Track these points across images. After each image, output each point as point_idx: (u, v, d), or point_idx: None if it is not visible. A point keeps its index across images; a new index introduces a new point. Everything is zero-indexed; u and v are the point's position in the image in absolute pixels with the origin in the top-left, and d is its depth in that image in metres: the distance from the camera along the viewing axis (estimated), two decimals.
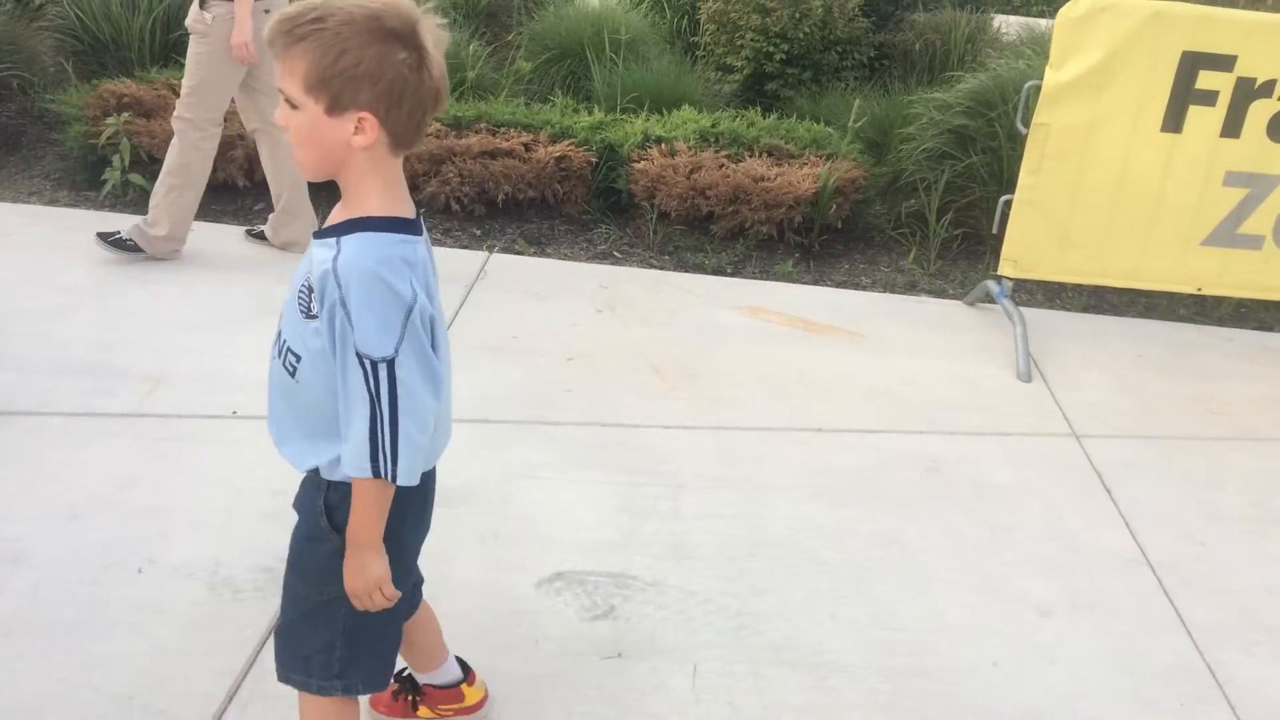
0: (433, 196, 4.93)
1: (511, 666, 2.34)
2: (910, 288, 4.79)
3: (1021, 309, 4.24)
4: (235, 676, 2.22)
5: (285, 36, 1.44)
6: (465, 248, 4.74)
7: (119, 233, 4.13)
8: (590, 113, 5.43)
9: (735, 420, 3.45)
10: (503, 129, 5.09)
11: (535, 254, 4.76)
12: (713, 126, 5.26)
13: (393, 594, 1.66)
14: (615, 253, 4.87)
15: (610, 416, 3.40)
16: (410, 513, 1.73)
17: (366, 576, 1.62)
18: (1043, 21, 8.03)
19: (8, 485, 2.76)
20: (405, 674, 2.13)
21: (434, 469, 1.80)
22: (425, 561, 2.61)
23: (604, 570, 2.68)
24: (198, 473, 2.83)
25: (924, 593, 2.73)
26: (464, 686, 2.13)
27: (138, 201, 4.72)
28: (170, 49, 5.54)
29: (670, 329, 4.08)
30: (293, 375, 1.59)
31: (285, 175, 4.23)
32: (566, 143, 5.02)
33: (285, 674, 1.79)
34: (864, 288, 4.77)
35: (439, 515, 2.78)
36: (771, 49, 6.57)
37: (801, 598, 2.66)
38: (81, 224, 4.47)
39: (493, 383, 3.53)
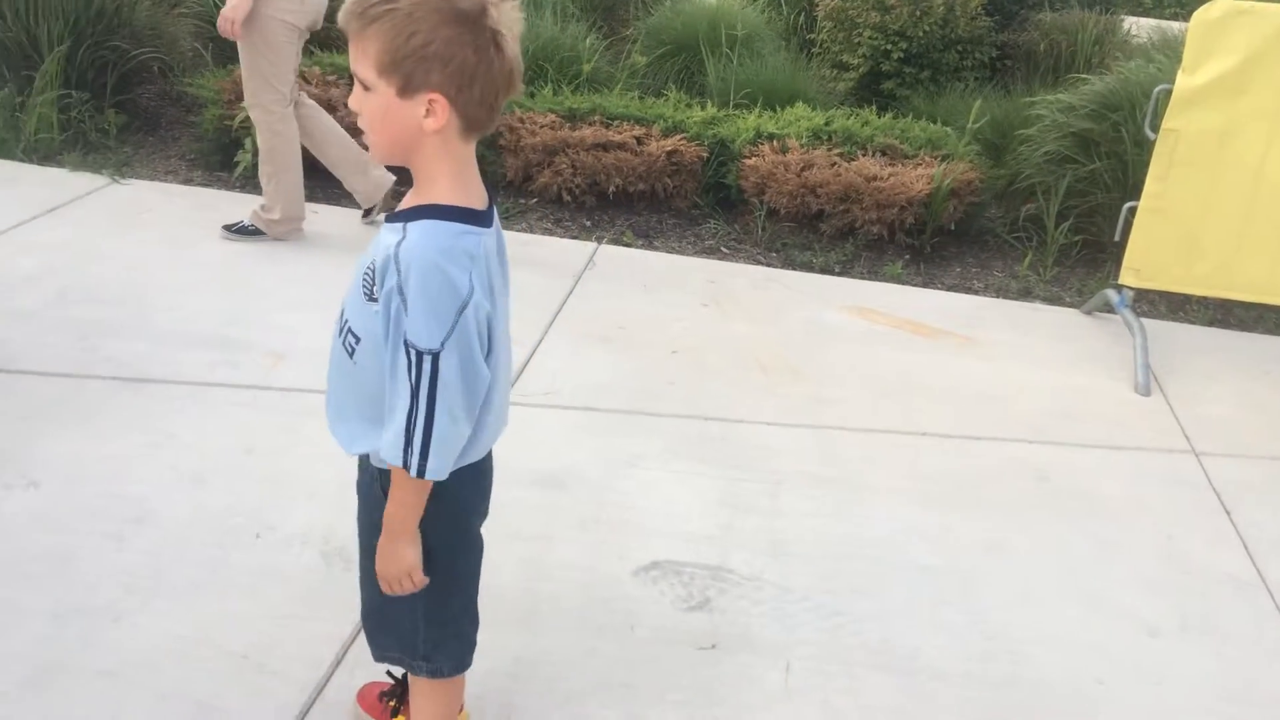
0: (545, 187, 5.01)
1: (606, 650, 2.38)
2: (1024, 294, 4.68)
3: (1143, 320, 4.11)
4: (344, 642, 2.30)
5: (358, 19, 1.43)
6: (575, 238, 4.80)
7: (241, 221, 4.32)
8: (703, 108, 5.44)
9: (838, 420, 3.43)
10: (616, 122, 5.14)
11: (643, 247, 4.80)
12: (826, 124, 5.21)
13: (421, 580, 1.66)
14: (723, 248, 4.88)
15: (713, 410, 3.41)
16: (470, 499, 1.74)
17: (399, 564, 1.64)
18: (1175, 24, 7.74)
19: (138, 449, 2.91)
20: (404, 677, 2.04)
21: (490, 455, 1.79)
22: (528, 544, 2.68)
23: (701, 562, 2.70)
24: (315, 446, 2.93)
25: (1027, 603, 2.68)
26: None
27: None
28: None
29: (775, 326, 4.07)
30: (351, 356, 1.60)
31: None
32: (678, 137, 5.04)
33: (382, 653, 1.84)
34: (976, 292, 4.68)
35: (542, 498, 2.86)
36: (889, 47, 6.48)
37: (900, 601, 2.64)
38: (214, 203, 4.67)
39: (598, 372, 3.57)
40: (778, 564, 2.72)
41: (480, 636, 2.30)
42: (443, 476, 1.56)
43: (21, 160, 4.89)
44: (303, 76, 5.15)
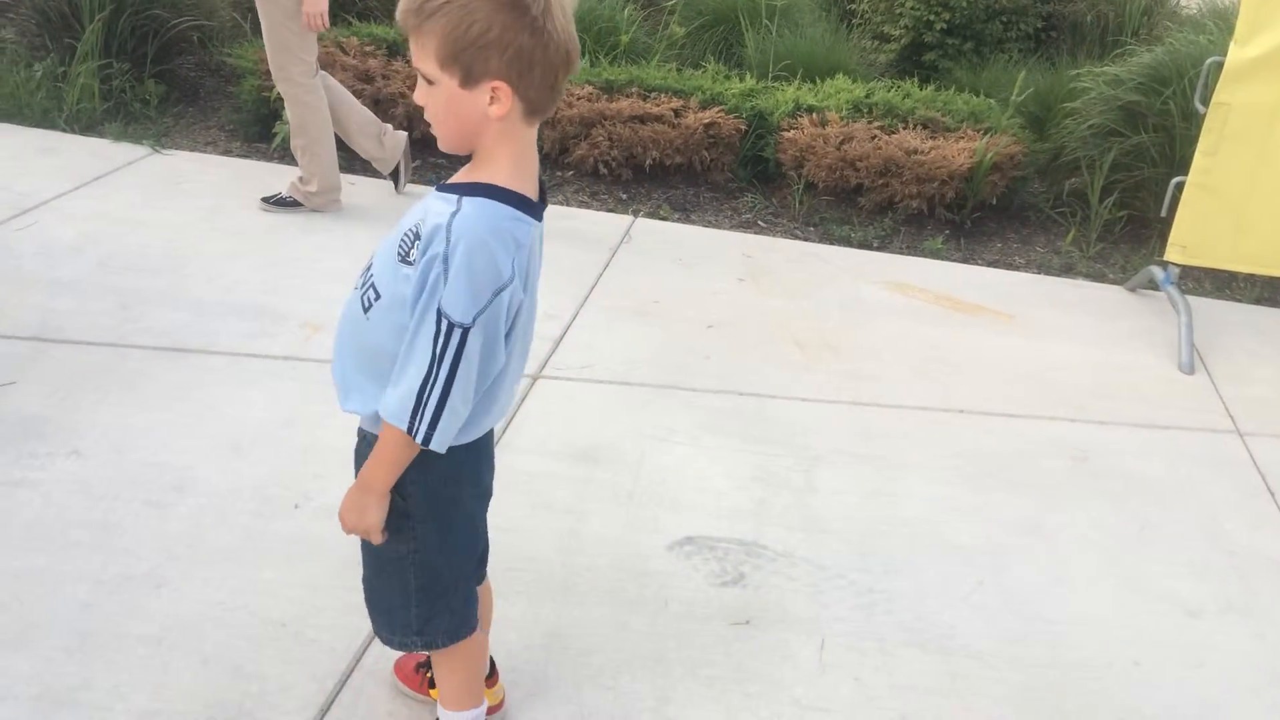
0: (581, 159, 4.99)
1: (640, 624, 2.38)
2: (1067, 270, 4.61)
3: (1188, 298, 4.04)
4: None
5: (415, 15, 1.45)
6: (611, 211, 4.78)
7: (279, 193, 4.35)
8: (741, 80, 5.39)
9: (874, 396, 3.40)
10: (654, 94, 5.09)
11: (680, 220, 4.77)
12: (866, 97, 5.14)
13: (379, 539, 1.68)
14: (760, 222, 4.84)
15: (748, 386, 3.40)
16: (466, 475, 1.74)
17: (364, 519, 1.66)
18: None
19: (178, 418, 2.94)
20: None
21: (490, 436, 1.79)
22: (562, 517, 2.68)
23: (735, 538, 2.69)
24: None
25: (1064, 584, 2.65)
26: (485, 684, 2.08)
27: None
28: (339, 8, 5.72)
29: (812, 301, 4.04)
30: (365, 311, 1.61)
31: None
32: (716, 109, 5.00)
33: (377, 630, 1.86)
34: (1017, 268, 4.61)
35: (576, 472, 2.86)
36: (932, 17, 6.37)
37: (935, 579, 2.62)
38: (252, 173, 4.70)
39: (633, 346, 3.57)
40: (812, 540, 2.71)
41: (513, 609, 2.33)
42: (442, 449, 1.58)
43: (64, 130, 4.94)
44: (339, 47, 5.16)
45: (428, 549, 1.73)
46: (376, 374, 1.61)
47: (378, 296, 1.60)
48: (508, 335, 1.59)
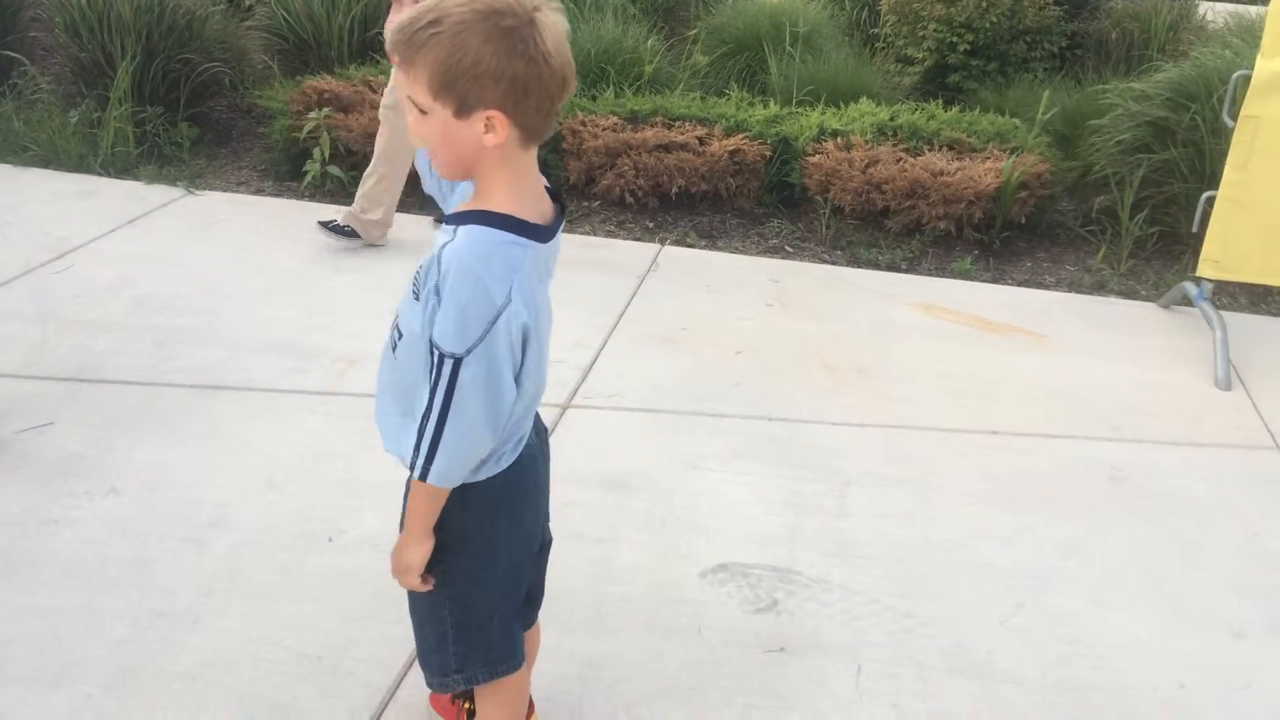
0: (607, 189, 5.02)
1: (675, 653, 2.37)
2: (1098, 288, 4.57)
3: (1222, 313, 3.99)
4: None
5: (405, 46, 1.44)
6: (638, 240, 4.80)
7: (336, 219, 4.38)
8: (765, 106, 5.41)
9: (906, 419, 3.38)
10: (678, 122, 5.13)
11: (707, 247, 4.78)
12: (891, 119, 5.15)
13: (415, 583, 1.67)
14: (787, 247, 4.84)
15: (778, 411, 3.39)
16: (503, 513, 1.70)
17: (399, 558, 1.66)
18: (1253, 9, 7.50)
19: (214, 454, 2.97)
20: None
21: (544, 475, 1.77)
22: (594, 546, 2.68)
23: (768, 564, 2.68)
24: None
25: (1105, 606, 2.61)
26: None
27: (335, 192, 4.99)
28: (367, 47, 5.82)
29: (841, 325, 4.03)
30: (394, 351, 1.63)
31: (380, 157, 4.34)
32: (741, 136, 5.02)
33: (426, 678, 1.83)
34: (1048, 287, 4.58)
35: (607, 500, 2.86)
36: (955, 39, 6.38)
37: (972, 603, 2.59)
38: (284, 212, 4.77)
39: (662, 373, 3.57)
40: (846, 566, 2.69)
41: (548, 639, 2.32)
42: (448, 484, 1.57)
43: (100, 174, 5.04)
44: (368, 86, 5.24)
45: (460, 583, 1.72)
46: (411, 413, 1.61)
47: (400, 335, 1.61)
48: (534, 357, 1.58)
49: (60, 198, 4.74)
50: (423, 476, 1.54)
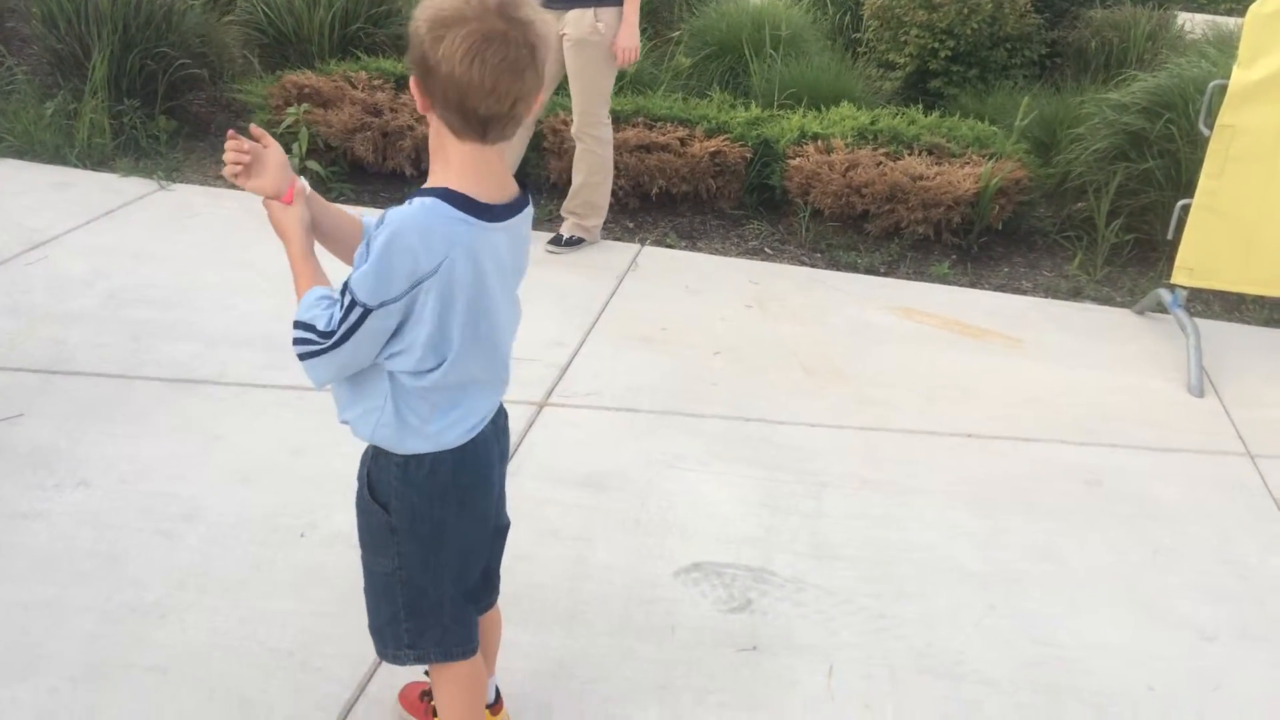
0: None
1: (647, 651, 2.36)
2: (1074, 294, 4.60)
3: (1196, 320, 4.03)
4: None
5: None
6: (618, 239, 4.80)
7: (560, 233, 4.54)
8: (747, 109, 5.42)
9: (883, 421, 3.39)
10: (660, 123, 5.13)
11: (687, 248, 4.79)
12: (872, 124, 5.17)
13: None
14: (767, 249, 4.85)
15: (755, 411, 3.39)
16: (452, 495, 1.72)
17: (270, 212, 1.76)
18: (1231, 20, 7.58)
19: (187, 448, 2.95)
20: None
21: (491, 461, 1.77)
22: (569, 544, 2.67)
23: (742, 564, 2.68)
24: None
25: (1078, 609, 2.62)
26: (487, 712, 2.04)
27: (314, 187, 4.93)
28: (348, 42, 5.79)
29: (820, 327, 4.04)
30: None
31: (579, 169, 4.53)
32: (722, 138, 5.02)
33: (376, 646, 1.85)
34: (1024, 292, 4.61)
35: (583, 499, 2.85)
36: (937, 45, 6.41)
37: (946, 605, 2.60)
38: (261, 206, 4.72)
39: (640, 372, 3.57)
40: (820, 566, 2.69)
41: (521, 636, 2.31)
42: (312, 381, 1.66)
43: (75, 166, 4.99)
44: (349, 81, 5.21)
45: (411, 566, 1.74)
46: (359, 379, 1.67)
47: None
48: (468, 332, 1.61)
49: (35, 189, 4.69)
50: (300, 355, 1.63)
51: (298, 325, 1.63)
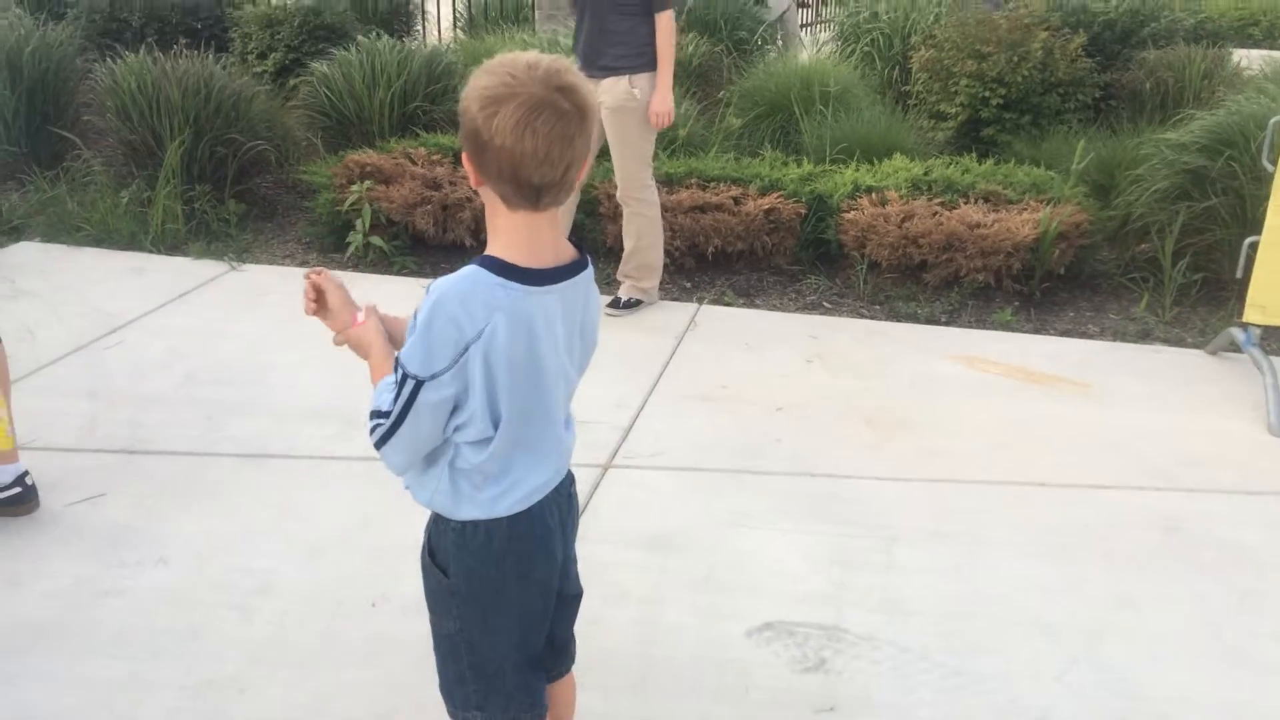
0: None
1: (721, 713, 2.33)
2: (1143, 336, 4.52)
3: (1272, 358, 3.93)
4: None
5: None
6: (676, 300, 4.83)
7: (618, 296, 4.62)
8: (799, 165, 5.45)
9: (951, 473, 3.35)
10: (712, 184, 5.18)
11: (744, 305, 4.80)
12: (925, 174, 5.17)
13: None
14: (824, 303, 4.84)
15: (820, 467, 3.36)
16: (509, 561, 1.70)
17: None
18: None
19: (260, 522, 3.00)
20: None
21: (550, 528, 1.75)
22: (639, 606, 2.66)
23: (815, 622, 2.64)
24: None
25: (1162, 660, 2.54)
26: None
27: (377, 261, 5.08)
28: (407, 120, 5.96)
29: (881, 379, 4.01)
30: None
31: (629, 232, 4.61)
32: (775, 195, 5.06)
33: (447, 707, 1.85)
34: (1091, 336, 4.53)
35: (651, 560, 2.84)
36: (988, 94, 6.41)
37: (1025, 659, 2.53)
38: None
39: (703, 432, 3.57)
40: (894, 622, 2.64)
41: (593, 702, 2.30)
42: (389, 466, 1.69)
43: (150, 251, 5.17)
44: (408, 157, 5.35)
45: (472, 629, 1.74)
46: (433, 459, 1.69)
47: None
48: (516, 400, 1.62)
49: (111, 275, 4.87)
50: (374, 444, 1.66)
51: (370, 415, 1.67)
